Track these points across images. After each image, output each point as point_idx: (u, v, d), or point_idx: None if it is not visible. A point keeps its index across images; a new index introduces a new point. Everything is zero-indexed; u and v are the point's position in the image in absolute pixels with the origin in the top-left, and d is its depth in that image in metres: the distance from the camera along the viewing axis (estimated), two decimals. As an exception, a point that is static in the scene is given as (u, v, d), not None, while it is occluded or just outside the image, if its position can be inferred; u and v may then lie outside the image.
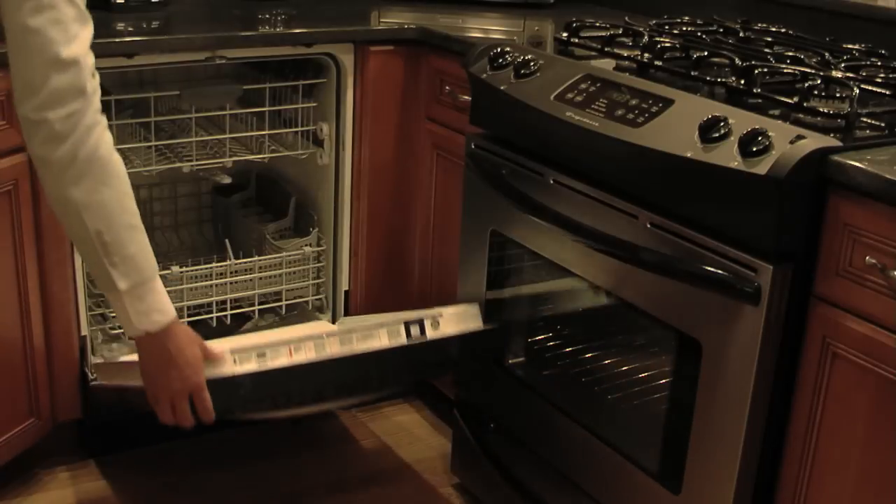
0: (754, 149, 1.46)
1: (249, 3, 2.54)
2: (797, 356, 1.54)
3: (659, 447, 1.74)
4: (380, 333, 1.81)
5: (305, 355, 1.73)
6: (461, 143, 2.21)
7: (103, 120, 1.43)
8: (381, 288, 2.51)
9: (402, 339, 1.83)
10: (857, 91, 1.60)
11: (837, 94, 1.67)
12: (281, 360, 1.70)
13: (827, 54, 1.87)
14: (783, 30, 2.14)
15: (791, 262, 1.49)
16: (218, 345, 1.68)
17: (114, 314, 2.24)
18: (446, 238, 2.35)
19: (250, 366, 1.67)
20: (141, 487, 2.26)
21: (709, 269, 1.55)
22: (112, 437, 2.34)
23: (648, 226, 1.66)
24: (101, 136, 1.43)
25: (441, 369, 2.14)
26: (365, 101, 2.34)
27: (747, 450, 1.58)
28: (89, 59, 1.40)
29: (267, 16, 2.41)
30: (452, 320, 1.90)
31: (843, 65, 1.80)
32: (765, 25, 2.17)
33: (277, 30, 2.29)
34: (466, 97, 2.11)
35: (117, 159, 1.46)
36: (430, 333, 1.86)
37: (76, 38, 1.37)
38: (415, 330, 1.84)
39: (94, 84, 1.41)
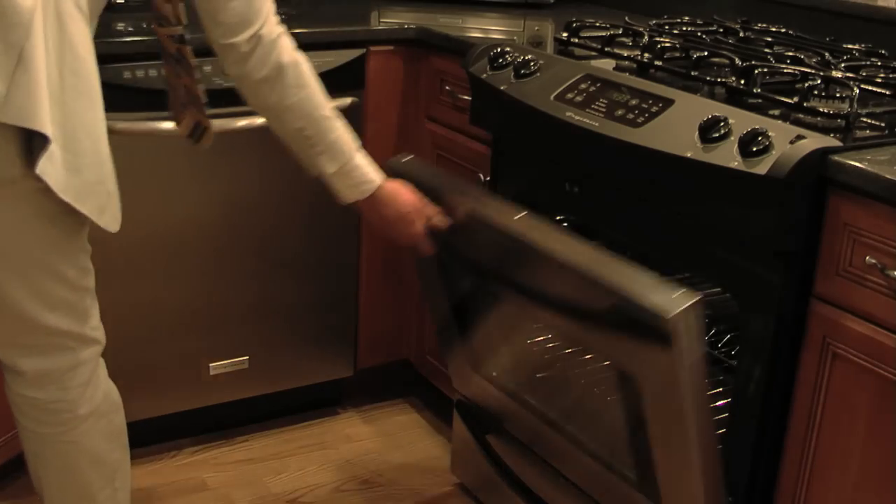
0: (754, 149, 1.46)
1: (249, 3, 2.54)
2: (797, 356, 1.54)
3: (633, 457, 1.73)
4: None
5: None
6: (461, 142, 2.22)
7: (281, 28, 1.60)
8: (381, 288, 2.51)
9: None
10: (857, 91, 1.60)
11: (837, 94, 1.67)
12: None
13: (827, 54, 1.87)
14: (783, 30, 2.14)
15: (791, 262, 1.49)
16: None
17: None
18: (446, 238, 2.35)
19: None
20: (140, 487, 2.26)
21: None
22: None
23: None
24: (284, 46, 1.59)
25: None
26: (365, 101, 2.34)
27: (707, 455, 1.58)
28: None
29: (267, 16, 2.41)
30: None
31: (843, 65, 1.80)
32: (765, 25, 2.17)
33: (277, 30, 2.29)
34: (466, 97, 2.11)
35: (301, 60, 1.62)
36: None
37: None
38: None
39: (269, 1, 1.58)
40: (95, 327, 1.64)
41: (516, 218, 1.67)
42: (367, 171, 1.71)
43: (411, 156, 1.84)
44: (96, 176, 1.48)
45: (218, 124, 2.16)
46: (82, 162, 1.44)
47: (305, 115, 1.63)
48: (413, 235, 1.77)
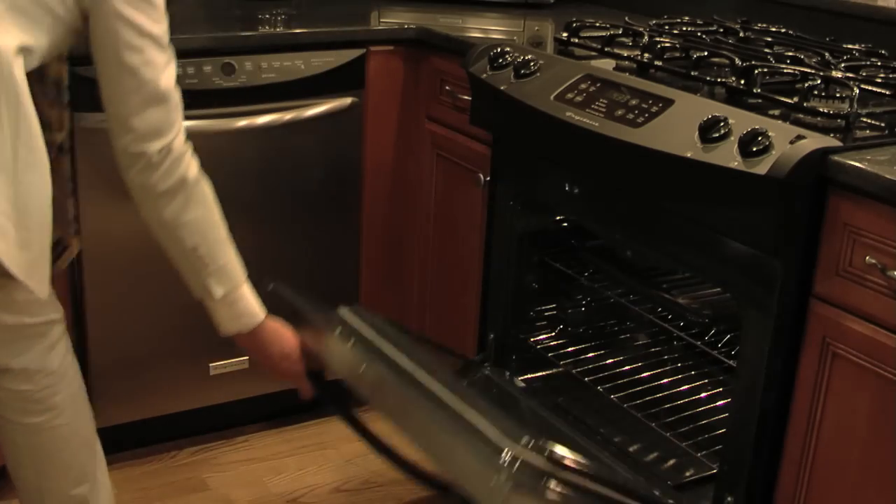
0: (754, 149, 1.46)
1: (249, 3, 2.54)
2: (797, 356, 1.54)
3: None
4: None
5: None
6: (461, 142, 2.22)
7: (190, 146, 1.56)
8: (382, 288, 2.51)
9: None
10: (857, 91, 1.60)
11: (837, 94, 1.67)
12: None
13: (827, 54, 1.87)
14: (783, 30, 2.14)
15: (791, 262, 1.49)
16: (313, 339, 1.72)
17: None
18: (446, 238, 2.35)
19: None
20: (140, 487, 2.26)
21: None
22: (113, 437, 2.34)
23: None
24: (190, 162, 1.56)
25: None
26: (365, 101, 2.34)
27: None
28: (177, 94, 1.52)
29: (267, 16, 2.41)
30: None
31: (843, 65, 1.80)
32: (765, 25, 2.17)
33: (278, 30, 2.29)
34: (466, 97, 2.11)
35: (203, 179, 1.59)
36: None
37: (166, 76, 1.50)
38: None
39: (181, 114, 1.54)
40: (56, 305, 1.65)
41: (360, 371, 1.59)
42: (252, 303, 1.67)
43: (271, 284, 1.76)
44: (41, 249, 1.48)
45: (218, 124, 2.18)
46: (32, 237, 1.44)
47: (202, 234, 1.59)
48: (295, 374, 1.74)
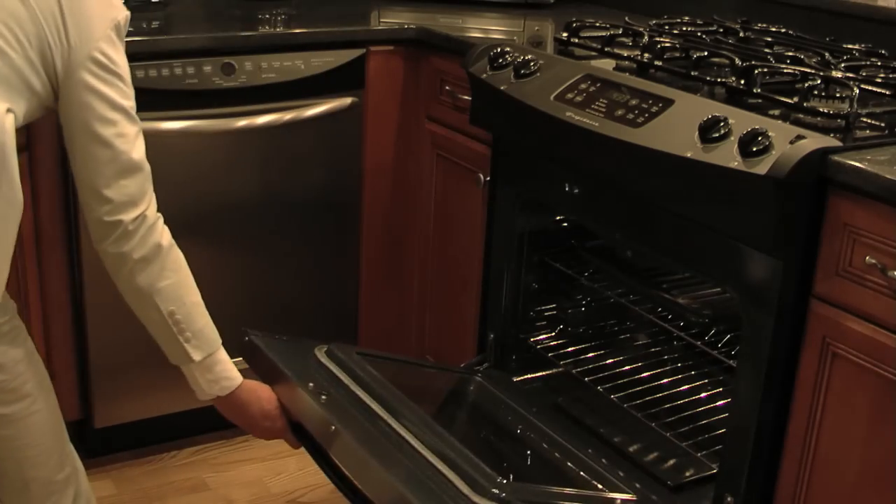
0: (754, 149, 1.46)
1: (249, 3, 2.54)
2: (797, 356, 1.54)
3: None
4: None
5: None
6: (461, 142, 2.22)
7: (161, 216, 1.60)
8: (382, 288, 2.51)
9: None
10: (857, 91, 1.60)
11: (837, 94, 1.67)
12: None
13: (827, 54, 1.87)
14: (783, 30, 2.14)
15: (791, 263, 1.49)
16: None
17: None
18: (446, 238, 2.35)
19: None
20: (140, 487, 2.26)
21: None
22: (113, 437, 2.34)
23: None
24: (163, 230, 1.60)
25: None
26: (365, 101, 2.34)
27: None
28: (147, 165, 1.56)
29: (267, 16, 2.41)
30: None
31: (843, 65, 1.80)
32: (765, 25, 2.17)
33: (277, 30, 2.29)
34: (466, 97, 2.11)
35: (176, 247, 1.63)
36: None
37: (137, 147, 1.54)
38: None
39: (152, 184, 1.58)
40: (6, 307, 1.66)
41: (330, 430, 1.59)
42: (229, 367, 1.69)
43: (247, 336, 1.79)
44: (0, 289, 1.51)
45: (218, 124, 2.17)
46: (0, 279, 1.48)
47: (178, 299, 1.62)
48: (278, 432, 1.76)
